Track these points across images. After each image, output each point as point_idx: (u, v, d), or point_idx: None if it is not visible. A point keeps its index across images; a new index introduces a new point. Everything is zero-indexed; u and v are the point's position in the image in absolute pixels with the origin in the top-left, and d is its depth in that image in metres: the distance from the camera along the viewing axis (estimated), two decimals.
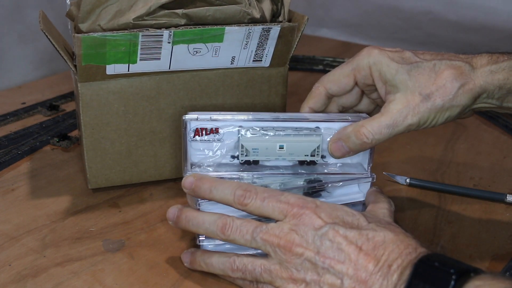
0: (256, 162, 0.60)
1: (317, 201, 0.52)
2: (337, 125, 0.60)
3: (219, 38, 0.61)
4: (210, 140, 0.58)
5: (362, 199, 0.62)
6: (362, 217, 0.51)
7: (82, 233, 0.60)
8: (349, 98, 0.62)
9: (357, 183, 0.62)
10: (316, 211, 0.50)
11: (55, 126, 0.83)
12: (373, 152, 0.61)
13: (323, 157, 0.60)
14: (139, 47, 0.59)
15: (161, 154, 0.67)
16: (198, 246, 0.56)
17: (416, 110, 0.55)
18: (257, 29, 0.61)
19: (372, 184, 0.62)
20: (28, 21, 0.98)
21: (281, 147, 0.59)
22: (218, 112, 0.58)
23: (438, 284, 0.43)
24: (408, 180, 0.70)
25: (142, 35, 0.58)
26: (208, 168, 0.58)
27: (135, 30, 0.58)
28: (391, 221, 0.54)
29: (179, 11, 0.60)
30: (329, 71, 0.62)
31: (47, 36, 0.59)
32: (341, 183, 0.60)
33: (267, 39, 0.63)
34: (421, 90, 0.55)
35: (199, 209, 0.55)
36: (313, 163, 0.60)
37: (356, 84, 0.61)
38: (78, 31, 0.59)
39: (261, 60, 0.65)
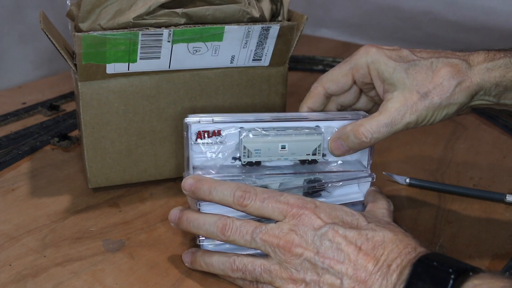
0: (258, 163, 0.59)
1: (317, 201, 0.52)
2: (336, 124, 0.60)
3: (218, 37, 0.61)
4: (212, 143, 0.58)
5: (361, 199, 0.62)
6: (362, 217, 0.51)
7: (82, 233, 0.60)
8: (348, 96, 0.62)
9: (357, 183, 0.62)
10: (316, 211, 0.50)
11: (55, 126, 0.83)
12: (373, 149, 0.61)
13: (324, 155, 0.60)
14: (139, 46, 0.59)
15: (161, 154, 0.67)
16: (198, 246, 0.56)
17: (414, 108, 0.55)
18: (257, 28, 0.62)
19: (372, 184, 0.62)
20: (28, 21, 0.98)
21: (283, 147, 0.59)
22: (219, 114, 0.58)
23: (437, 284, 0.43)
24: (408, 180, 0.70)
25: (142, 34, 0.58)
26: (211, 171, 0.58)
27: (135, 29, 0.58)
28: (390, 221, 0.54)
29: (178, 10, 0.60)
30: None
31: (47, 35, 0.59)
32: (341, 183, 0.60)
33: (267, 38, 0.63)
34: (419, 88, 0.55)
35: (199, 209, 0.55)
36: (314, 161, 0.61)
37: (354, 82, 0.61)
38: (78, 30, 0.59)
39: (261, 60, 0.66)
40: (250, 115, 0.59)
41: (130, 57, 0.60)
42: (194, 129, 0.57)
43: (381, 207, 0.56)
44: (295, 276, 0.49)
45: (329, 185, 0.60)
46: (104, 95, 0.62)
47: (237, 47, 0.63)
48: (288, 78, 0.69)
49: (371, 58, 0.58)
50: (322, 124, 0.60)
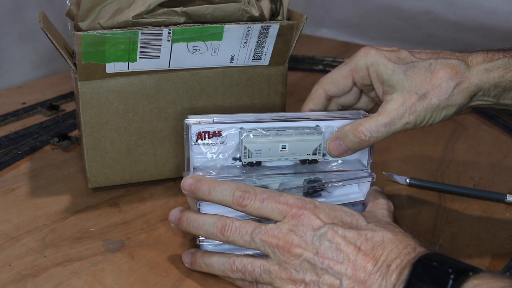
0: (258, 163, 0.59)
1: (316, 202, 0.52)
2: (337, 123, 0.60)
3: (218, 36, 0.61)
4: (213, 143, 0.58)
5: (362, 199, 0.62)
6: (361, 217, 0.51)
7: (82, 233, 0.60)
8: (348, 97, 0.62)
9: (357, 183, 0.62)
10: (315, 211, 0.50)
11: (55, 126, 0.83)
12: (373, 148, 0.61)
13: (324, 155, 0.60)
14: (139, 45, 0.59)
15: (161, 153, 0.67)
16: (198, 247, 0.56)
17: (413, 109, 0.56)
18: (256, 27, 0.61)
19: (372, 184, 0.62)
20: (28, 21, 0.98)
21: (284, 147, 0.59)
22: (219, 115, 0.58)
23: (437, 284, 0.43)
24: (408, 180, 0.70)
25: (141, 33, 0.58)
26: (211, 172, 0.58)
27: (134, 28, 0.58)
28: (390, 221, 0.54)
29: (178, 9, 0.60)
30: (329, 71, 0.63)
31: (47, 35, 0.59)
32: (341, 183, 0.60)
33: (266, 37, 0.63)
34: (417, 89, 0.56)
35: (199, 209, 0.55)
36: (314, 161, 0.60)
37: (354, 84, 0.61)
38: (78, 29, 0.59)
39: (261, 59, 0.66)
40: (250, 116, 0.59)
41: (130, 57, 0.60)
42: (194, 130, 0.57)
43: (381, 207, 0.57)
44: (294, 276, 0.49)
45: (329, 185, 0.60)
46: (103, 94, 0.62)
47: (236, 46, 0.63)
48: (288, 78, 0.69)
49: (371, 60, 0.58)
50: (322, 123, 0.60)
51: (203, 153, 0.58)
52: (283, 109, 0.70)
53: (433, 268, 0.44)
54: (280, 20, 0.64)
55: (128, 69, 0.61)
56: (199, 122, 0.57)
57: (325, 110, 0.63)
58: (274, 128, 0.59)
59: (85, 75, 0.60)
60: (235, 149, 0.59)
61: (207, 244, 0.56)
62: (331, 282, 0.48)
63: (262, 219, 0.53)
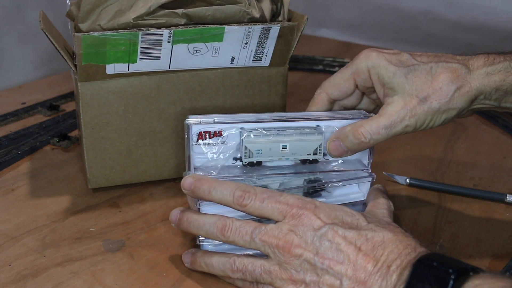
0: (259, 163, 0.59)
1: (316, 202, 0.52)
2: (337, 123, 0.60)
3: (219, 37, 0.61)
4: (213, 144, 0.58)
5: (362, 198, 0.62)
6: (362, 217, 0.51)
7: (82, 233, 0.60)
8: (350, 100, 0.63)
9: (357, 183, 0.62)
10: (315, 211, 0.50)
11: (55, 126, 0.83)
12: (373, 148, 0.61)
13: (324, 155, 0.60)
14: (139, 46, 0.59)
15: (161, 154, 0.67)
16: (198, 247, 0.56)
17: (413, 112, 0.56)
18: (257, 28, 0.61)
19: (372, 184, 0.62)
20: (28, 21, 0.98)
21: (284, 147, 0.59)
22: (220, 115, 0.58)
23: (437, 284, 0.43)
24: (408, 180, 0.70)
25: (142, 35, 0.58)
26: (212, 172, 0.58)
27: (135, 29, 0.58)
28: (390, 221, 0.54)
29: (179, 10, 0.60)
30: (329, 71, 0.63)
31: (47, 35, 0.59)
32: (341, 183, 0.60)
33: (267, 38, 0.63)
34: (418, 93, 0.56)
35: (199, 209, 0.55)
36: (315, 161, 0.61)
37: (356, 87, 0.61)
38: (78, 31, 0.59)
39: (261, 60, 0.66)
40: (251, 116, 0.59)
41: (130, 58, 0.60)
42: (195, 130, 0.57)
43: (382, 207, 0.57)
44: (294, 276, 0.49)
45: (329, 185, 0.60)
46: (104, 95, 0.62)
47: (237, 48, 0.63)
48: (288, 78, 0.69)
49: (372, 63, 0.58)
50: (323, 123, 0.60)
51: (204, 153, 0.58)
52: (283, 110, 0.70)
53: (434, 268, 0.44)
54: (281, 22, 0.64)
55: (128, 70, 0.61)
56: (200, 122, 0.57)
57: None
58: (274, 128, 0.59)
59: (86, 76, 0.60)
60: (236, 149, 0.59)
61: (207, 244, 0.56)
62: (331, 283, 0.48)
63: (262, 219, 0.53)
